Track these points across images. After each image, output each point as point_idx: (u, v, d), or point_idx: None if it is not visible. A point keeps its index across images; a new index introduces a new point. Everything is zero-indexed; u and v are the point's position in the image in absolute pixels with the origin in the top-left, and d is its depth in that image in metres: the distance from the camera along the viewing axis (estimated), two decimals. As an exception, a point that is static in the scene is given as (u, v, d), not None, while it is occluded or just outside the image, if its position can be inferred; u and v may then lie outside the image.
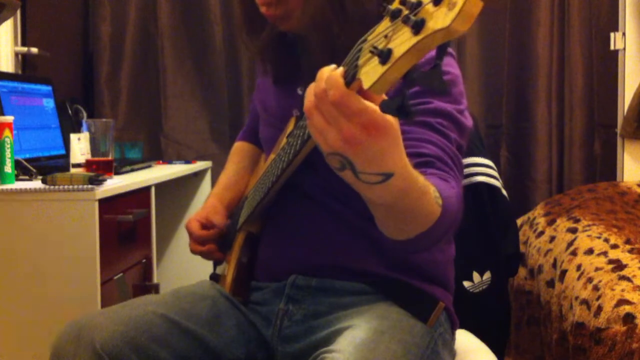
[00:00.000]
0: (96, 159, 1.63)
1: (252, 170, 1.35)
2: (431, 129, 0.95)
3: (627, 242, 1.59)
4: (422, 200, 0.78)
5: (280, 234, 1.12)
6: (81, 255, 1.45)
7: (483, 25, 2.51)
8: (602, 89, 2.44)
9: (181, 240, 2.45)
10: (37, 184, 1.50)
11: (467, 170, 1.51)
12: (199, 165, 2.42)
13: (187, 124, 2.59)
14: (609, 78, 2.43)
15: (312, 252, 1.07)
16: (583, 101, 2.44)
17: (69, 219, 1.44)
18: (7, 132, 1.50)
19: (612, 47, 2.40)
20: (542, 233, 1.92)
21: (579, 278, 1.49)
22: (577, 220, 1.81)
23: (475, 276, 1.49)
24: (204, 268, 1.48)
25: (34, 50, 2.18)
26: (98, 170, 1.61)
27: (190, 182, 2.46)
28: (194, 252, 1.24)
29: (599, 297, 1.32)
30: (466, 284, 1.48)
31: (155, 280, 1.88)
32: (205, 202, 1.29)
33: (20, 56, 2.20)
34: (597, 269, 1.45)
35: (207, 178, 2.50)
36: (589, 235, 1.67)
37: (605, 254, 1.53)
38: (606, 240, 1.61)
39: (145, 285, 1.80)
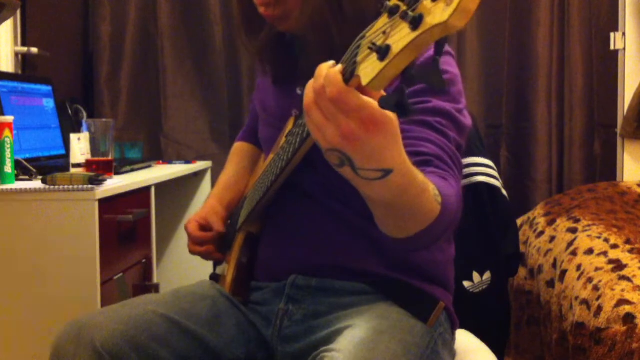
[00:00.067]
0: (96, 159, 1.63)
1: (252, 170, 1.35)
2: (430, 128, 0.95)
3: (627, 242, 1.59)
4: (422, 198, 0.78)
5: (280, 234, 1.12)
6: (81, 255, 1.45)
7: (483, 25, 2.51)
8: (602, 89, 2.44)
9: (181, 240, 2.45)
10: (37, 184, 1.50)
11: (467, 170, 1.51)
12: (199, 165, 2.42)
13: (187, 124, 2.59)
14: (609, 78, 2.43)
15: (312, 252, 1.07)
16: (583, 101, 2.44)
17: (69, 219, 1.44)
18: (7, 132, 1.50)
19: (612, 47, 2.41)
20: (542, 233, 1.92)
21: (579, 278, 1.49)
22: (577, 220, 1.82)
23: (475, 276, 1.49)
24: (204, 268, 1.48)
25: (34, 50, 2.18)
26: (98, 170, 1.61)
27: (190, 182, 2.46)
28: (192, 252, 1.24)
29: (599, 297, 1.32)
30: (466, 284, 1.48)
31: (155, 280, 1.88)
32: (205, 202, 1.29)
33: (20, 56, 2.20)
34: (597, 269, 1.45)
35: (207, 178, 2.50)
36: (589, 235, 1.67)
37: (605, 254, 1.53)
38: (606, 240, 1.61)
39: (145, 285, 1.80)
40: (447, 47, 1.01)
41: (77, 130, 2.05)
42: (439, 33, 0.52)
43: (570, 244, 1.68)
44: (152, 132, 2.60)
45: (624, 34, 2.38)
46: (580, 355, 1.32)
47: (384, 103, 0.60)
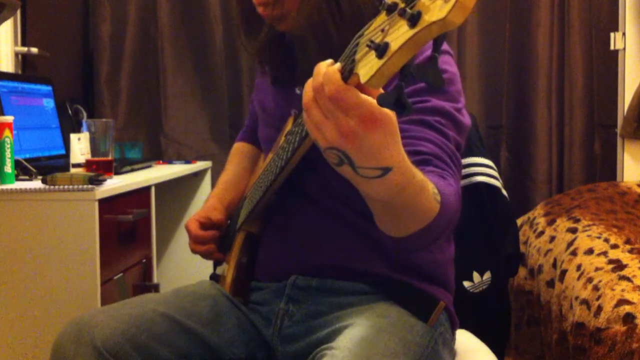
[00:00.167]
0: (96, 159, 1.63)
1: (252, 170, 1.35)
2: (429, 127, 0.95)
3: (627, 242, 1.59)
4: (421, 196, 0.78)
5: (280, 234, 1.12)
6: (81, 255, 1.45)
7: (483, 26, 2.51)
8: (602, 89, 2.44)
9: (181, 240, 2.45)
10: (37, 184, 1.50)
11: (467, 170, 1.51)
12: (199, 165, 2.42)
13: (187, 124, 2.59)
14: (609, 78, 2.43)
15: (312, 252, 1.07)
16: (583, 101, 2.44)
17: (69, 219, 1.44)
18: (7, 132, 1.50)
19: (612, 47, 2.41)
20: (542, 233, 1.92)
21: (579, 278, 1.49)
22: (577, 220, 1.82)
23: (475, 276, 1.49)
24: (204, 268, 1.48)
25: (34, 50, 2.18)
26: (98, 170, 1.61)
27: (190, 182, 2.46)
28: (194, 251, 1.24)
29: (599, 297, 1.32)
30: (466, 284, 1.48)
31: (155, 280, 1.88)
32: (205, 202, 1.29)
33: (20, 56, 2.20)
34: (597, 269, 1.45)
35: (207, 178, 2.50)
36: (589, 235, 1.67)
37: (605, 254, 1.53)
38: (606, 240, 1.61)
39: (145, 285, 1.80)
40: (446, 47, 1.02)
41: (77, 130, 2.05)
42: (437, 30, 0.52)
43: (570, 244, 1.68)
44: (152, 132, 2.60)
45: (624, 34, 2.38)
46: (580, 355, 1.32)
47: (382, 101, 0.60)
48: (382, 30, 0.57)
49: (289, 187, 1.07)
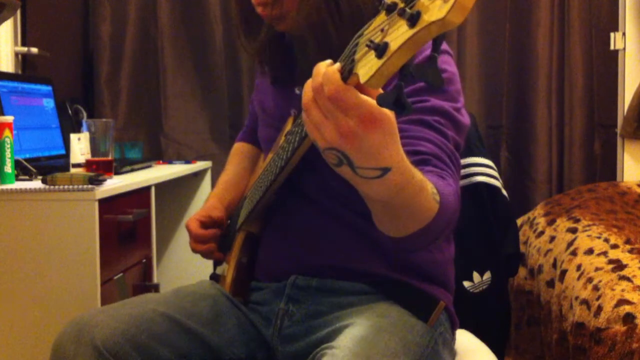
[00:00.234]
0: (96, 159, 1.63)
1: (252, 170, 1.35)
2: (428, 127, 0.95)
3: (627, 242, 1.59)
4: (420, 196, 0.78)
5: (279, 234, 1.12)
6: (81, 255, 1.45)
7: (483, 26, 2.51)
8: (602, 89, 2.44)
9: (181, 240, 2.45)
10: (37, 184, 1.50)
11: (467, 170, 1.51)
12: (199, 165, 2.42)
13: (187, 124, 2.59)
14: (609, 78, 2.43)
15: (311, 252, 1.07)
16: (583, 101, 2.44)
17: (69, 219, 1.44)
18: (7, 132, 1.50)
19: (612, 47, 2.41)
20: (542, 233, 1.92)
21: (579, 278, 1.49)
22: (577, 220, 1.81)
23: (475, 276, 1.49)
24: (204, 268, 1.48)
25: (34, 50, 2.18)
26: (98, 170, 1.61)
27: (190, 182, 2.46)
28: (194, 250, 1.24)
29: (599, 297, 1.32)
30: (466, 284, 1.48)
31: (155, 280, 1.88)
32: (206, 202, 1.30)
33: (20, 56, 2.20)
34: (597, 269, 1.45)
35: (207, 178, 2.50)
36: (589, 235, 1.67)
37: (605, 254, 1.53)
38: (606, 240, 1.61)
39: (145, 285, 1.80)
40: (445, 46, 1.02)
41: (77, 130, 2.05)
42: (437, 30, 0.52)
43: (570, 244, 1.68)
44: (152, 132, 2.60)
45: (624, 34, 2.38)
46: (580, 355, 1.32)
47: (382, 101, 0.60)
48: (382, 30, 0.57)
49: (288, 187, 1.07)
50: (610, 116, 2.44)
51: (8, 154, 1.50)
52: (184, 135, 2.59)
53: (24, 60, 2.23)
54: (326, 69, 0.64)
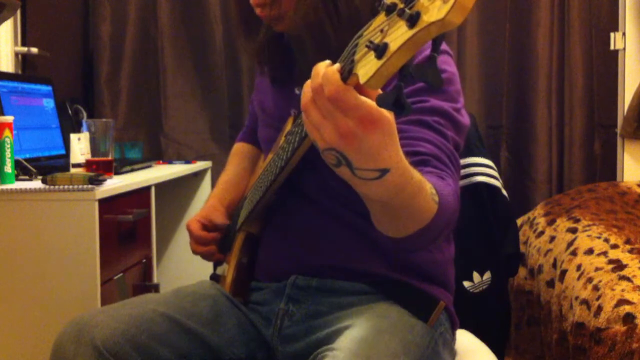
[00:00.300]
0: (96, 159, 1.63)
1: (252, 171, 1.35)
2: (428, 127, 0.95)
3: (627, 242, 1.59)
4: (419, 197, 0.78)
5: (279, 234, 1.12)
6: (81, 255, 1.45)
7: (483, 26, 2.51)
8: (602, 89, 2.44)
9: (181, 240, 2.45)
10: (37, 184, 1.50)
11: (467, 170, 1.51)
12: (199, 165, 2.42)
13: (187, 124, 2.59)
14: (609, 78, 2.43)
15: (311, 252, 1.07)
16: (583, 101, 2.44)
17: (69, 219, 1.44)
18: (7, 132, 1.50)
19: (612, 47, 2.41)
20: (542, 233, 1.92)
21: (579, 278, 1.49)
22: (577, 220, 1.81)
23: (475, 276, 1.49)
24: (204, 268, 1.48)
25: (34, 50, 2.18)
26: (98, 170, 1.61)
27: (190, 182, 2.46)
28: (194, 252, 1.24)
29: (599, 297, 1.32)
30: (466, 284, 1.48)
31: (155, 280, 1.88)
32: (206, 203, 1.30)
33: (20, 56, 2.20)
34: (597, 269, 1.45)
35: (207, 178, 2.50)
36: (589, 235, 1.67)
37: (605, 254, 1.53)
38: (606, 240, 1.61)
39: (145, 285, 1.80)
40: (445, 46, 1.02)
41: (77, 130, 2.05)
42: (436, 30, 0.52)
43: (570, 244, 1.68)
44: (152, 132, 2.60)
45: (624, 34, 2.38)
46: (580, 355, 1.32)
47: (381, 101, 0.60)
48: (381, 31, 0.57)
49: (288, 187, 1.07)
50: (610, 116, 2.44)
51: (8, 154, 1.50)
52: (184, 135, 2.59)
53: (24, 60, 2.23)
54: (326, 69, 0.64)
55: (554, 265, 1.71)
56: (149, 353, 1.00)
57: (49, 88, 2.14)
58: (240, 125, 2.36)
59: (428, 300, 1.03)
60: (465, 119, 1.01)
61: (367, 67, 0.59)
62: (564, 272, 1.60)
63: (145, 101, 2.59)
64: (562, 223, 1.85)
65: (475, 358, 1.14)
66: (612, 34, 2.40)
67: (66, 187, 1.45)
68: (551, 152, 2.45)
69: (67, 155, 1.89)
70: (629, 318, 1.22)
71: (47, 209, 1.45)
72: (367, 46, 0.58)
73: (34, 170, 1.64)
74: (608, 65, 2.43)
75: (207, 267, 1.34)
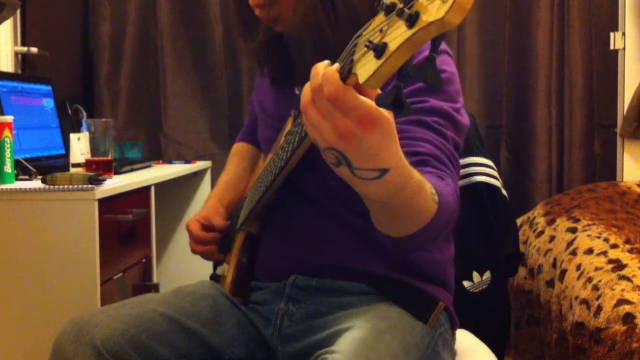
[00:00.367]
0: (96, 159, 1.63)
1: (252, 171, 1.36)
2: (428, 127, 0.95)
3: (627, 242, 1.59)
4: (418, 197, 0.78)
5: (279, 234, 1.12)
6: (81, 255, 1.45)
7: (483, 26, 2.51)
8: (602, 89, 2.44)
9: (181, 240, 2.45)
10: (37, 184, 1.50)
11: (466, 170, 1.51)
12: (199, 165, 2.43)
13: (187, 124, 2.59)
14: (609, 78, 2.43)
15: (311, 252, 1.07)
16: (583, 101, 2.44)
17: (69, 219, 1.44)
18: (7, 132, 1.50)
19: (612, 47, 2.41)
20: (542, 233, 1.92)
21: (579, 278, 1.49)
22: (577, 220, 1.81)
23: (475, 276, 1.49)
24: (204, 268, 1.48)
25: (34, 50, 2.18)
26: (98, 170, 1.61)
27: (190, 182, 2.46)
28: (194, 252, 1.24)
29: (599, 297, 1.32)
30: (466, 284, 1.48)
31: (155, 280, 1.88)
32: (206, 203, 1.30)
33: (20, 56, 2.20)
34: (597, 269, 1.45)
35: (207, 178, 2.50)
36: (589, 235, 1.67)
37: (605, 254, 1.53)
38: (606, 240, 1.61)
39: (145, 285, 1.80)
40: (444, 47, 1.02)
41: (77, 130, 2.05)
42: (436, 30, 0.52)
43: (570, 244, 1.68)
44: (152, 132, 2.60)
45: (624, 34, 2.38)
46: (580, 355, 1.32)
47: (381, 101, 0.60)
48: (381, 31, 0.57)
49: (288, 187, 1.08)
50: (610, 116, 2.44)
51: (8, 154, 1.50)
52: (184, 135, 2.59)
53: (24, 60, 2.23)
54: (325, 69, 0.64)
55: (554, 265, 1.71)
56: (149, 353, 1.00)
57: (49, 88, 2.14)
58: (240, 125, 2.36)
59: (428, 301, 1.03)
60: (465, 119, 1.01)
61: (366, 67, 0.59)
62: (564, 272, 1.60)
63: (145, 101, 2.59)
64: (562, 223, 1.85)
65: (475, 358, 1.14)
66: (612, 34, 2.40)
67: (66, 187, 1.45)
68: (551, 152, 2.45)
69: (67, 155, 1.89)
70: (629, 318, 1.22)
71: (47, 209, 1.45)
72: (366, 46, 0.58)
73: (34, 170, 1.64)
74: (608, 65, 2.43)
75: (207, 267, 1.34)
